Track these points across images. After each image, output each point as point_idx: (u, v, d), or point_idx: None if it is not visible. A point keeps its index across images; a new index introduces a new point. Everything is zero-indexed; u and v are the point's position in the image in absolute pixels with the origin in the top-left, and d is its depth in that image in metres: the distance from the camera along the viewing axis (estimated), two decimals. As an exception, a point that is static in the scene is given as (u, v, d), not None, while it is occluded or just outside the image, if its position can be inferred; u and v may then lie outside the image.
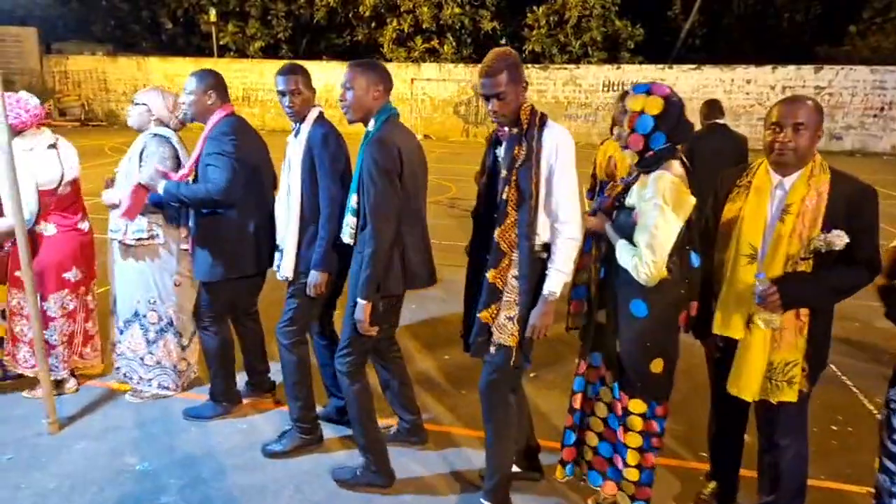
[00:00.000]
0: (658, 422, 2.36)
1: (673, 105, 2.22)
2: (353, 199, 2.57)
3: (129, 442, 3.06)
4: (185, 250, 3.32)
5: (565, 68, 19.11)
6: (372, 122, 2.56)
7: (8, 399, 3.41)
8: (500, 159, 2.40)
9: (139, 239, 3.21)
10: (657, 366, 2.28)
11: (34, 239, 3.17)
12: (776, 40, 21.73)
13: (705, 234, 2.39)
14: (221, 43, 22.30)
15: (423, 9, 20.94)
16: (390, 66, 20.17)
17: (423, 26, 21.16)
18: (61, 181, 3.21)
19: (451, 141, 18.68)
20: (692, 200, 2.18)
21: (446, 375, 3.86)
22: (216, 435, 3.14)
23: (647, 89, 2.25)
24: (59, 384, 3.41)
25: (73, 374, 3.50)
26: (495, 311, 2.36)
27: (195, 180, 3.02)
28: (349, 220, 2.60)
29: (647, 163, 2.25)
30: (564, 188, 2.29)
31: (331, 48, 23.06)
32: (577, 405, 2.50)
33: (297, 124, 2.85)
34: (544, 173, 2.29)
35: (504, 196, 2.32)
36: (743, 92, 17.17)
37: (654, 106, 2.21)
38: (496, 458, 2.55)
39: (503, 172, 2.34)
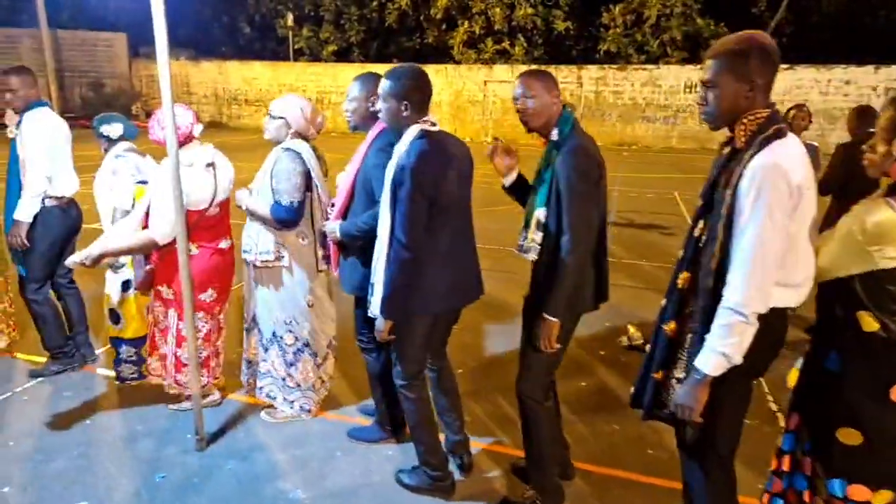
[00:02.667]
0: None
1: None
2: (540, 213, 2.39)
3: (277, 465, 2.98)
4: (321, 271, 3.20)
5: (644, 68, 18.54)
6: (556, 132, 2.41)
7: (151, 411, 3.40)
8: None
9: (265, 261, 3.10)
10: (848, 437, 1.87)
11: (174, 258, 3.08)
12: (872, 39, 20.45)
13: None
14: (296, 47, 22.72)
15: (495, 10, 20.76)
16: (461, 69, 20.13)
17: (495, 28, 20.98)
18: (212, 202, 3.14)
19: (521, 144, 18.30)
20: None
21: (582, 405, 3.63)
22: (365, 462, 3.01)
23: None
24: (186, 398, 3.37)
25: (219, 389, 3.49)
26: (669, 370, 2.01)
27: (352, 190, 2.87)
28: (535, 236, 2.41)
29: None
30: (744, 238, 1.75)
31: (401, 51, 23.17)
32: (785, 467, 2.10)
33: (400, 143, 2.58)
34: (736, 213, 1.78)
35: (696, 232, 1.94)
36: (841, 94, 16.22)
37: None
38: None
39: (700, 200, 1.97)
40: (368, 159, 2.80)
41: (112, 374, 3.62)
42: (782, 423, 3.24)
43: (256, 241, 3.10)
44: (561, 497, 2.67)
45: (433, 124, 2.53)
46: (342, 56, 22.94)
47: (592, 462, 3.05)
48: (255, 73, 21.70)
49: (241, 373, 3.46)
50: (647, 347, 2.09)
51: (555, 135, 2.41)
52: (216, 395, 3.46)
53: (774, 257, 1.77)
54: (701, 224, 1.92)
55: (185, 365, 3.25)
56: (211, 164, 3.15)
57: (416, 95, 2.47)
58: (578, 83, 19.00)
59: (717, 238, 1.82)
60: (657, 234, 7.85)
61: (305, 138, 3.15)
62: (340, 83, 20.95)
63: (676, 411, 1.93)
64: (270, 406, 3.36)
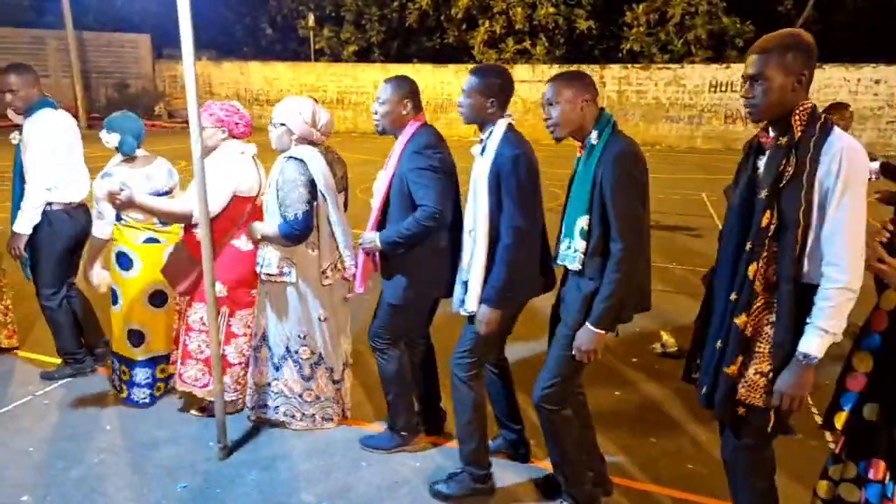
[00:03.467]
0: None
1: None
2: (582, 221, 2.28)
3: (300, 476, 2.88)
4: (328, 286, 3.05)
5: (668, 68, 18.23)
6: (595, 134, 2.29)
7: (172, 416, 3.33)
8: (759, 174, 1.96)
9: (269, 275, 2.98)
10: None
11: (231, 252, 3.07)
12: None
13: None
14: (316, 47, 22.73)
15: (516, 9, 20.57)
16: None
17: (516, 27, 20.79)
18: (259, 192, 3.11)
19: (542, 144, 18.14)
20: None
21: (617, 416, 3.49)
22: (391, 473, 2.90)
23: None
24: (228, 403, 3.25)
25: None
26: (743, 364, 1.96)
27: (387, 197, 2.79)
28: (578, 245, 2.30)
29: None
30: (841, 219, 1.80)
31: (421, 51, 23.07)
32: None
33: (484, 140, 2.56)
34: (818, 197, 1.82)
35: (763, 223, 1.90)
36: (871, 93, 15.79)
37: None
38: None
39: (762, 192, 1.90)
40: (404, 163, 2.73)
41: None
42: (829, 438, 3.08)
43: (265, 255, 2.99)
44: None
45: (513, 120, 2.62)
46: (362, 56, 22.91)
47: (630, 477, 2.91)
48: (277, 73, 21.74)
49: (248, 396, 3.28)
50: (719, 344, 2.01)
51: (594, 138, 2.30)
52: (240, 400, 3.36)
53: (863, 235, 1.82)
54: (768, 214, 1.88)
55: (231, 365, 3.19)
56: (254, 157, 3.15)
57: (502, 94, 2.57)
58: (601, 83, 18.74)
59: (799, 224, 1.84)
60: (685, 237, 7.64)
61: (313, 143, 3.00)
62: (361, 83, 20.92)
63: (781, 402, 1.90)
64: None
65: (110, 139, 3.24)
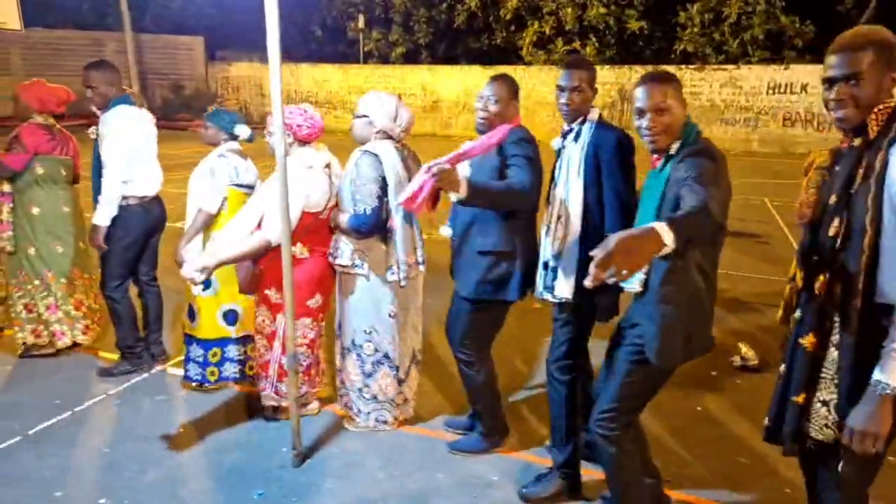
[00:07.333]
0: None
1: None
2: None
3: (374, 484, 2.80)
4: (401, 285, 2.97)
5: (724, 69, 17.70)
6: (676, 145, 2.07)
7: (243, 420, 3.29)
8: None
9: (343, 266, 2.96)
10: None
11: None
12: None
13: None
14: (365, 50, 22.87)
15: (566, 10, 20.30)
16: (530, 70, 19.72)
17: (566, 28, 20.52)
18: (327, 205, 3.02)
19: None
20: None
21: (698, 433, 3.30)
22: (468, 487, 2.79)
23: None
24: (279, 409, 3.25)
25: (319, 399, 3.37)
26: (808, 392, 1.77)
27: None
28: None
29: None
30: None
31: (468, 52, 22.98)
32: None
33: (576, 127, 2.54)
34: (889, 203, 1.60)
35: (830, 232, 1.72)
36: (944, 94, 15.01)
37: None
38: None
39: (832, 197, 1.74)
40: (506, 148, 2.63)
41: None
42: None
43: (338, 245, 2.99)
44: None
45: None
46: (410, 58, 22.96)
47: (713, 499, 2.74)
48: (327, 75, 21.96)
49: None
50: (782, 369, 1.87)
51: (674, 147, 2.07)
52: (315, 405, 3.33)
53: None
54: (836, 223, 1.71)
55: (286, 373, 3.09)
56: (327, 166, 3.04)
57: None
58: (653, 84, 18.33)
59: (866, 233, 1.62)
60: (752, 243, 7.33)
61: (392, 138, 2.98)
62: (408, 85, 20.96)
63: (852, 440, 1.63)
64: (350, 417, 3.22)
65: (244, 130, 3.41)
